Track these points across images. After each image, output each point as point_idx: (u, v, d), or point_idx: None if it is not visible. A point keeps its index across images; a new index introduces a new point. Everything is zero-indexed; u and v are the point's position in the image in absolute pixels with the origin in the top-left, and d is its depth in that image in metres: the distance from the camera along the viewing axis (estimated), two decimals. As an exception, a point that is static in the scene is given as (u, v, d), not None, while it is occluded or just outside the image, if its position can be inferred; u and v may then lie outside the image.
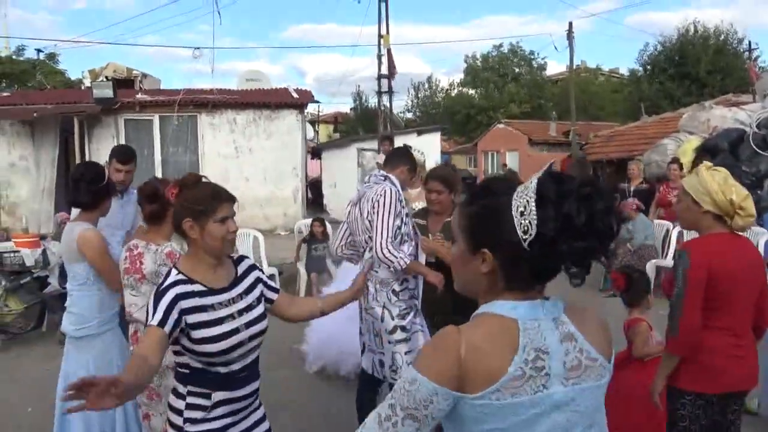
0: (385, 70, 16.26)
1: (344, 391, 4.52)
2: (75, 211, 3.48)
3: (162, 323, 1.94)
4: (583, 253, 1.18)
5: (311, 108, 37.42)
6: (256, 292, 2.24)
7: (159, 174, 12.22)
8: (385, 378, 3.46)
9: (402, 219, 3.33)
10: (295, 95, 13.17)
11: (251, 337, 2.14)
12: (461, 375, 1.16)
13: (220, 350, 2.03)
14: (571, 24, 20.49)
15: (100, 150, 11.99)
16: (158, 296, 2.00)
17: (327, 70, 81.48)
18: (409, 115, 49.78)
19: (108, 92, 11.43)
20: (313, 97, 13.77)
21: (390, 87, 16.59)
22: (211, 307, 2.07)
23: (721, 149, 13.53)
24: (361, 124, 35.22)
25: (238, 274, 2.23)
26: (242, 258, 2.33)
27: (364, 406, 3.49)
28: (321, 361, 4.99)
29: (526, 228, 1.17)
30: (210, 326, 2.04)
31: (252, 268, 2.31)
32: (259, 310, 2.21)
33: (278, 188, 12.42)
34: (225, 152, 12.35)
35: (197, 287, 2.07)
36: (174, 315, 1.97)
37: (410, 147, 3.97)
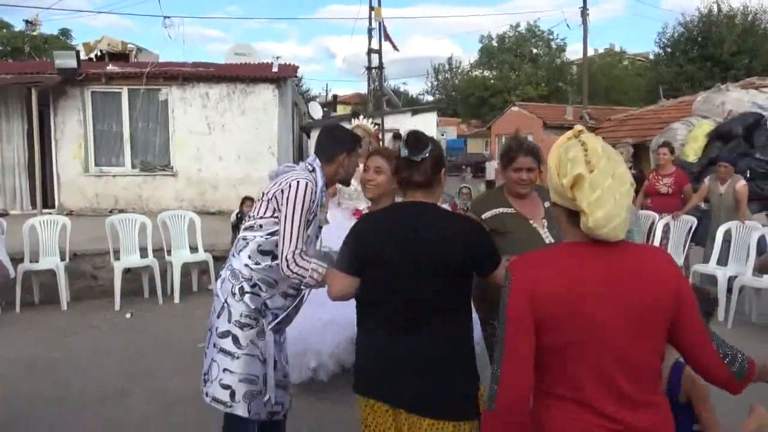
0: (375, 45, 15.36)
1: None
2: None
3: None
4: None
5: (310, 88, 36.56)
6: None
7: (128, 150, 11.56)
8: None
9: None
10: (276, 69, 12.36)
11: None
12: None
13: None
14: (585, 0, 19.23)
15: (65, 123, 11.40)
16: None
17: (356, 51, 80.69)
18: (429, 98, 48.90)
19: (71, 62, 10.74)
20: (296, 71, 12.94)
21: (380, 63, 15.66)
22: None
23: (735, 135, 12.50)
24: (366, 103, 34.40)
25: None
26: None
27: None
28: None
29: None
30: None
31: None
32: None
33: (254, 168, 11.67)
34: (197, 129, 11.63)
35: None
36: None
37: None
